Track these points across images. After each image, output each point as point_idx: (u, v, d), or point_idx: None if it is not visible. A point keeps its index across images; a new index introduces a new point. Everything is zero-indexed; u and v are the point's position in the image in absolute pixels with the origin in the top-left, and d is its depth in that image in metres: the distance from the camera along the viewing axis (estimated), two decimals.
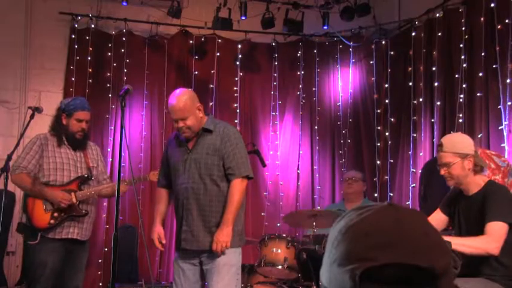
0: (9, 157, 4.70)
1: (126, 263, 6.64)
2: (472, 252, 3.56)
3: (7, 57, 7.14)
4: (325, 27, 7.50)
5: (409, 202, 6.68)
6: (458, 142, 3.84)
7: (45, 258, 4.73)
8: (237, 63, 7.78)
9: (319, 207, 7.36)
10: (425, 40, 6.78)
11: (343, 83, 7.86)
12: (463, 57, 6.12)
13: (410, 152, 6.86)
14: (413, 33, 6.99)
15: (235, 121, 7.56)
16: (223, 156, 4.25)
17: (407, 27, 7.22)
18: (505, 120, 5.54)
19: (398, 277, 0.98)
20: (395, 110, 7.25)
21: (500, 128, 5.59)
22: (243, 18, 7.16)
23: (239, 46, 7.78)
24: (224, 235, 4.13)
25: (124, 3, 7.24)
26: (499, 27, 5.72)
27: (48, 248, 4.75)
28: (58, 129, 4.95)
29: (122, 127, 4.01)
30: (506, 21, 5.64)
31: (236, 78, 7.76)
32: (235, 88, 7.74)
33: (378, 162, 7.33)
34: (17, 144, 4.89)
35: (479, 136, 5.76)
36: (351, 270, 0.98)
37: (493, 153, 5.11)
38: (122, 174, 4.25)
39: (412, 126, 6.87)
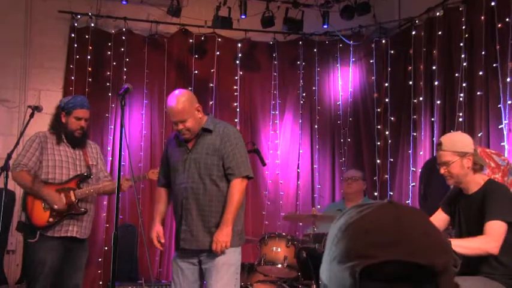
0: (9, 156, 4.70)
1: (126, 262, 6.64)
2: (472, 253, 3.56)
3: (7, 56, 7.14)
4: (325, 26, 7.50)
5: (409, 201, 6.68)
6: (458, 141, 3.83)
7: (44, 256, 4.73)
8: (237, 62, 7.78)
9: (319, 206, 7.37)
10: (426, 39, 6.78)
11: (343, 82, 7.86)
12: (463, 56, 6.12)
13: (410, 151, 6.86)
14: (413, 32, 6.98)
15: (235, 120, 7.56)
16: (223, 156, 4.25)
17: (408, 26, 7.22)
18: (505, 119, 5.54)
19: (398, 274, 0.98)
20: (396, 109, 7.25)
21: (500, 126, 5.59)
22: (243, 17, 7.16)
23: (239, 45, 7.78)
24: (224, 235, 4.13)
25: (124, 2, 7.24)
26: (499, 25, 5.72)
27: (47, 246, 4.75)
28: (57, 127, 4.96)
29: (121, 126, 4.00)
30: (507, 19, 5.64)
31: (236, 77, 7.76)
32: (235, 87, 7.74)
33: (378, 161, 7.33)
34: (17, 143, 4.89)
35: (479, 135, 5.76)
36: (350, 267, 0.98)
37: (493, 152, 5.11)
38: (121, 173, 4.24)
39: (412, 125, 6.87)
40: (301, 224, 7.32)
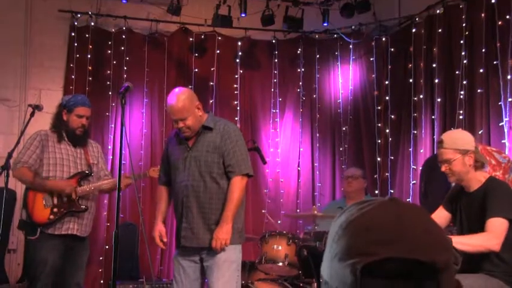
0: (10, 155, 4.70)
1: (127, 260, 6.64)
2: (474, 250, 3.57)
3: (7, 55, 7.14)
4: (325, 24, 7.50)
5: (410, 199, 6.68)
6: (459, 138, 3.83)
7: (45, 255, 4.74)
8: (237, 60, 7.78)
9: (319, 205, 7.36)
10: (426, 37, 6.77)
11: (344, 80, 7.85)
12: (463, 53, 6.11)
13: (410, 149, 6.86)
14: (413, 30, 6.98)
15: (236, 118, 7.56)
16: (223, 153, 4.25)
17: (408, 24, 7.21)
18: (506, 117, 5.54)
19: (400, 272, 0.98)
20: (396, 106, 7.25)
21: (500, 124, 5.59)
22: (243, 15, 7.16)
23: (239, 43, 7.78)
24: (224, 232, 4.13)
25: (124, 1, 7.25)
26: (499, 23, 5.72)
27: (48, 245, 4.76)
28: (58, 126, 4.97)
29: (122, 125, 4.00)
30: (507, 17, 5.64)
31: (236, 76, 7.76)
32: (235, 85, 7.74)
33: (379, 159, 7.33)
34: (18, 142, 4.89)
35: (479, 132, 5.75)
36: (351, 264, 0.98)
37: (494, 149, 5.11)
38: (122, 172, 4.24)
39: (412, 123, 6.87)
40: (301, 221, 7.32)
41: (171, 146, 4.47)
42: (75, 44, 7.23)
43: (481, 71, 5.88)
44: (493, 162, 4.90)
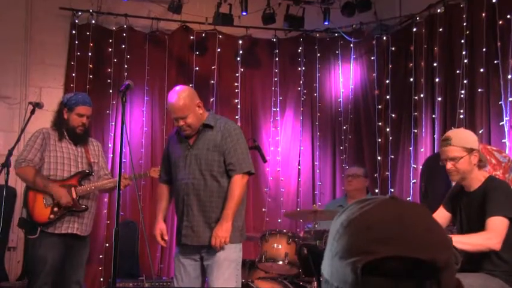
0: (10, 152, 4.71)
1: (127, 258, 6.64)
2: (474, 249, 3.57)
3: (8, 53, 7.14)
4: (326, 23, 7.50)
5: (410, 198, 6.68)
6: (466, 137, 3.84)
7: (45, 253, 4.74)
8: (238, 59, 7.77)
9: (319, 203, 7.36)
10: (427, 36, 6.77)
11: (344, 78, 7.85)
12: (464, 52, 6.11)
13: (411, 148, 6.86)
14: (414, 29, 6.98)
15: (236, 117, 7.56)
16: (223, 152, 4.25)
17: (409, 23, 7.22)
18: (506, 116, 5.54)
19: (400, 270, 0.98)
20: (396, 105, 7.25)
21: (501, 123, 5.60)
22: (244, 13, 7.15)
23: (240, 42, 7.77)
24: (223, 230, 4.13)
25: None
26: (500, 22, 5.72)
27: (48, 243, 4.76)
28: (59, 124, 4.97)
29: (122, 123, 4.01)
30: (508, 16, 5.64)
31: (237, 74, 7.75)
32: (236, 84, 7.73)
33: (379, 158, 7.33)
34: (18, 140, 4.90)
35: (480, 132, 5.75)
36: (352, 263, 0.98)
37: (494, 148, 5.12)
38: (122, 170, 4.25)
39: (413, 122, 6.87)
40: (301, 220, 7.32)
41: (172, 144, 4.48)
42: (76, 42, 7.23)
43: (482, 70, 5.88)
44: (494, 161, 4.91)
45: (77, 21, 7.26)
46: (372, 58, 7.56)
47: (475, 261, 3.66)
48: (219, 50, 7.67)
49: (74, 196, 4.85)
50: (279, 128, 7.79)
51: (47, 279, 4.75)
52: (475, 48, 6.03)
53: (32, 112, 4.93)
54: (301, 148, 7.85)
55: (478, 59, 5.97)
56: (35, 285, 4.74)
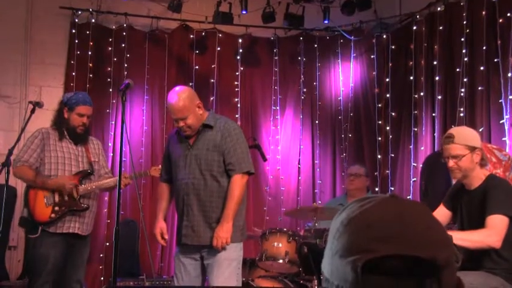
0: (10, 152, 4.71)
1: (127, 257, 6.64)
2: (473, 246, 3.57)
3: (8, 52, 7.14)
4: (326, 22, 7.49)
5: (410, 196, 6.68)
6: (469, 135, 3.84)
7: (46, 252, 4.74)
8: (238, 57, 7.77)
9: (319, 202, 7.36)
10: (427, 34, 6.77)
11: (344, 77, 7.85)
12: (464, 51, 6.11)
13: (411, 146, 6.86)
14: (414, 27, 6.97)
15: (236, 116, 7.56)
16: (223, 152, 4.25)
17: (409, 21, 7.21)
18: (506, 114, 5.54)
19: (400, 269, 0.98)
20: (396, 104, 7.25)
21: (501, 122, 5.60)
22: (244, 12, 7.15)
23: (240, 40, 7.77)
24: (224, 231, 4.13)
25: None
26: (500, 20, 5.72)
27: (49, 242, 4.76)
28: (59, 123, 4.96)
29: (122, 122, 4.01)
30: (508, 14, 5.64)
31: (237, 73, 7.75)
32: (235, 83, 7.73)
33: (379, 156, 7.33)
34: (18, 139, 4.89)
35: (480, 130, 5.75)
36: (352, 261, 0.98)
37: (495, 147, 5.12)
38: (122, 169, 4.25)
39: (413, 120, 6.87)
40: (302, 219, 7.31)
41: (172, 143, 4.48)
42: (76, 41, 7.23)
43: (482, 68, 5.88)
44: (494, 159, 4.90)
45: (76, 20, 7.26)
46: (372, 56, 7.56)
47: (476, 259, 3.66)
48: (218, 48, 7.67)
49: (75, 195, 4.85)
50: (279, 127, 7.79)
51: (48, 278, 4.75)
52: (475, 47, 6.03)
53: (32, 111, 4.92)
54: (301, 147, 7.85)
55: (478, 57, 5.97)
56: (36, 284, 4.74)
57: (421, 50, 6.82)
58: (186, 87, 4.46)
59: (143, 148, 7.31)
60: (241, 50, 7.78)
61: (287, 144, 7.82)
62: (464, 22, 6.16)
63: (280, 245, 5.24)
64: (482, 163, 3.82)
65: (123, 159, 4.87)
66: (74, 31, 7.26)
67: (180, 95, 4.24)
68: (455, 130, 3.93)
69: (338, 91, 7.88)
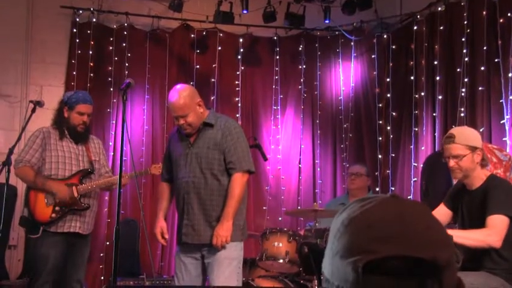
0: (11, 151, 4.71)
1: (127, 256, 6.64)
2: (473, 244, 3.57)
3: (8, 51, 7.14)
4: (327, 21, 7.49)
5: (411, 196, 6.68)
6: (470, 135, 3.84)
7: (47, 252, 4.74)
8: (239, 57, 7.77)
9: (320, 202, 7.36)
10: (427, 34, 6.77)
11: (345, 77, 7.84)
12: (465, 51, 6.11)
13: (411, 146, 6.86)
14: (415, 27, 6.97)
15: (237, 115, 7.56)
16: (224, 150, 4.25)
17: (409, 21, 7.21)
18: (507, 114, 5.54)
19: (401, 269, 0.98)
20: (397, 104, 7.25)
21: (502, 122, 5.60)
22: (245, 12, 7.15)
23: (240, 40, 7.77)
24: (224, 229, 4.13)
25: None
26: (501, 21, 5.72)
27: (50, 241, 4.76)
28: (60, 122, 4.96)
29: (123, 121, 4.02)
30: (509, 14, 5.64)
31: (237, 72, 7.75)
32: (236, 82, 7.73)
33: (380, 156, 7.33)
34: (19, 138, 4.90)
35: (481, 130, 5.74)
36: (353, 262, 0.98)
37: (495, 147, 5.12)
38: (123, 168, 4.25)
39: (413, 120, 6.87)
40: (302, 218, 7.32)
41: (173, 142, 4.48)
42: (77, 40, 7.23)
43: (482, 68, 5.88)
44: (494, 160, 4.90)
45: (77, 19, 7.26)
46: (373, 56, 7.56)
47: (476, 259, 3.66)
48: (219, 48, 7.67)
49: (76, 195, 4.85)
50: (279, 126, 7.79)
51: (48, 278, 4.75)
52: (476, 47, 6.02)
53: (33, 110, 4.93)
54: (302, 146, 7.84)
55: (478, 57, 5.97)
56: (36, 284, 4.75)
57: (422, 50, 6.82)
58: (187, 85, 4.46)
59: (144, 147, 7.31)
60: (242, 50, 7.78)
61: (288, 144, 7.81)
62: (465, 22, 6.16)
63: (281, 244, 5.24)
64: (483, 163, 3.82)
65: (124, 158, 4.87)
66: (74, 30, 7.27)
67: (180, 93, 4.24)
68: (456, 130, 3.93)
69: (339, 91, 7.88)
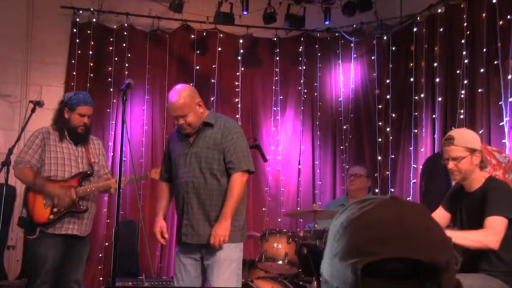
0: (11, 151, 4.70)
1: (126, 257, 6.63)
2: (471, 245, 3.57)
3: (8, 51, 7.14)
4: (327, 23, 7.49)
5: (410, 198, 6.68)
6: (469, 137, 3.84)
7: (45, 252, 4.73)
8: (239, 58, 7.77)
9: (320, 203, 7.36)
10: (427, 36, 6.77)
11: (345, 78, 7.85)
12: (464, 53, 6.11)
13: (411, 148, 6.86)
14: (415, 29, 6.98)
15: (237, 116, 7.56)
16: (223, 150, 4.25)
17: (409, 23, 7.21)
18: (506, 117, 5.53)
19: (400, 271, 0.98)
20: (397, 105, 7.25)
21: (501, 124, 5.59)
22: (245, 13, 7.15)
23: (241, 41, 7.77)
24: (222, 229, 4.13)
25: None
26: (500, 23, 5.71)
27: (48, 242, 4.75)
28: (60, 123, 4.94)
29: (123, 121, 4.02)
30: (508, 17, 5.63)
31: (237, 73, 7.75)
32: (236, 83, 7.73)
33: (379, 157, 7.33)
34: (18, 138, 4.89)
35: (480, 132, 5.74)
36: (352, 264, 0.98)
37: (494, 149, 5.12)
38: (122, 169, 4.24)
39: (413, 121, 6.87)
40: (301, 220, 7.32)
41: (173, 142, 4.48)
42: (77, 40, 7.23)
43: (482, 70, 5.88)
44: (494, 161, 4.91)
45: (78, 19, 7.26)
46: (373, 58, 7.56)
47: (475, 261, 3.66)
48: (219, 49, 7.67)
49: (74, 197, 4.83)
50: (279, 128, 7.79)
51: (47, 278, 4.74)
52: (476, 49, 6.02)
53: (33, 110, 4.91)
54: (302, 147, 7.84)
55: (478, 59, 5.97)
56: (35, 284, 4.74)
57: (422, 52, 6.82)
58: (187, 85, 4.45)
59: (143, 148, 7.31)
60: (242, 51, 7.78)
61: (287, 145, 7.81)
62: (465, 24, 6.17)
63: (280, 246, 5.24)
64: (482, 165, 3.82)
65: (123, 158, 4.87)
66: (75, 30, 7.26)
67: (180, 93, 4.24)
68: (455, 132, 3.94)
69: (338, 92, 7.88)
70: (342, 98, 7.82)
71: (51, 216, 4.77)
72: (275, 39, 7.87)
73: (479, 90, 5.89)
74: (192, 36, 7.66)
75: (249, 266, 5.76)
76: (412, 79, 6.95)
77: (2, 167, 4.66)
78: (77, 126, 4.91)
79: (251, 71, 7.87)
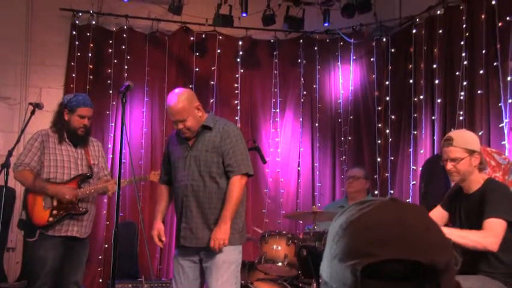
0: (10, 153, 4.69)
1: (126, 259, 6.64)
2: (470, 245, 3.56)
3: (8, 53, 7.14)
4: (326, 24, 7.50)
5: (410, 199, 6.68)
6: (469, 138, 3.84)
7: (45, 254, 4.73)
8: (238, 60, 7.78)
9: (319, 204, 7.36)
10: (426, 37, 6.77)
11: (344, 80, 7.85)
12: (463, 54, 6.12)
13: (410, 149, 6.86)
14: (414, 31, 6.98)
15: (236, 118, 7.56)
16: (222, 153, 4.25)
17: (408, 25, 7.21)
18: (506, 118, 5.54)
19: (400, 273, 0.98)
20: (396, 107, 7.25)
21: (500, 125, 5.59)
22: (244, 15, 7.16)
23: (240, 43, 7.78)
24: (222, 232, 4.12)
25: (125, 0, 7.23)
26: (499, 24, 5.72)
27: (48, 244, 4.75)
28: (60, 125, 4.94)
29: (122, 124, 4.02)
30: (507, 18, 5.63)
31: (237, 75, 7.76)
32: (235, 85, 7.74)
33: (379, 159, 7.33)
34: (18, 140, 4.88)
35: (479, 134, 5.74)
36: (352, 265, 0.98)
37: (494, 150, 5.12)
38: (122, 171, 4.24)
39: (412, 123, 6.87)
40: (301, 222, 7.32)
41: (172, 145, 4.47)
42: (76, 43, 7.24)
43: (481, 72, 5.88)
44: (493, 163, 4.91)
45: (77, 22, 7.27)
46: (372, 59, 7.56)
47: (474, 263, 3.66)
48: (219, 51, 7.68)
49: (74, 199, 4.83)
50: (278, 129, 7.79)
51: (46, 280, 4.74)
52: (475, 50, 6.03)
53: (32, 113, 4.91)
54: (301, 149, 7.85)
55: (477, 61, 5.97)
56: (35, 286, 4.73)
57: (421, 53, 6.83)
58: (185, 89, 4.45)
59: (143, 150, 7.31)
60: (241, 53, 7.78)
61: (287, 147, 7.82)
62: (464, 26, 6.17)
63: (280, 247, 5.24)
64: (481, 167, 3.82)
65: (123, 161, 4.87)
66: (74, 33, 7.27)
67: (179, 97, 4.23)
68: (454, 133, 3.93)
69: (338, 94, 7.88)
70: (341, 100, 7.83)
71: (51, 219, 4.77)
72: (274, 41, 7.88)
73: (479, 92, 5.90)
74: (191, 38, 7.67)
75: (248, 267, 5.76)
76: (411, 81, 6.95)
77: (1, 169, 4.65)
78: (77, 128, 4.90)
79: (250, 73, 7.87)
